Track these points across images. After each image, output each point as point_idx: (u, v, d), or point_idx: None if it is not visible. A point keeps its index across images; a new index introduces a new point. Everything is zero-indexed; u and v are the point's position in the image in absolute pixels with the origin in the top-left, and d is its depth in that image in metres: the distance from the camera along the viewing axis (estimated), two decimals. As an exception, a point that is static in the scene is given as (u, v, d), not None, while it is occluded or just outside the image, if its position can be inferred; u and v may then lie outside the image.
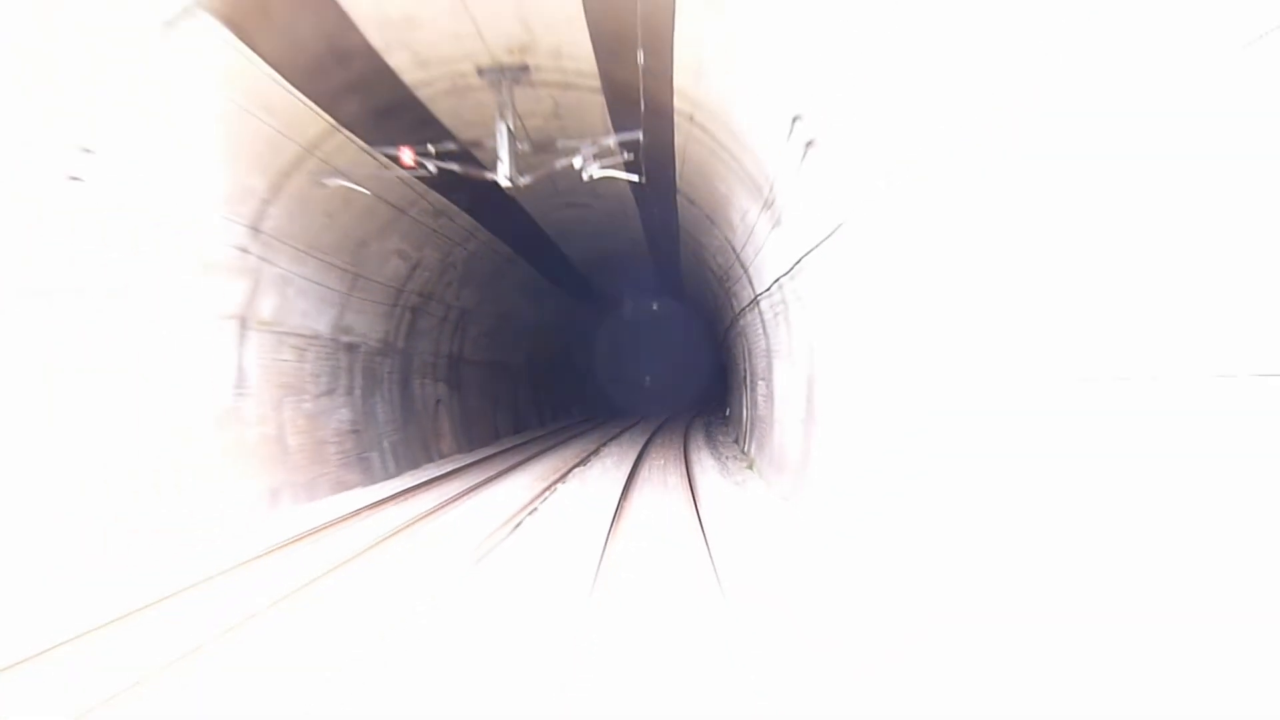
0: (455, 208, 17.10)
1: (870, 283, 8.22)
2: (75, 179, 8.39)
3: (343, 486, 15.43)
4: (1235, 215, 3.71)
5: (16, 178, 8.13)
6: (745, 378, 21.24)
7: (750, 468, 17.23)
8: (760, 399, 17.78)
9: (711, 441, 23.39)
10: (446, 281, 20.47)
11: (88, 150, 8.42)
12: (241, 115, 10.29)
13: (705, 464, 18.26)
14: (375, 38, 10.37)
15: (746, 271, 15.81)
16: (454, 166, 11.71)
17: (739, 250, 15.37)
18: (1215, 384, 3.80)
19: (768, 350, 16.14)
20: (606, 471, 17.32)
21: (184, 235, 10.65)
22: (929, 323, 7.11)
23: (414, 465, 19.32)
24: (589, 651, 6.20)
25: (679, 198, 16.38)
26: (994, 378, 6.09)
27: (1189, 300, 3.96)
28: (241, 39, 9.22)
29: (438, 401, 22.52)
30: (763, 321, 15.96)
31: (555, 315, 33.39)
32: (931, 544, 6.81)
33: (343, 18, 9.70)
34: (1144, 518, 4.23)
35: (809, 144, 8.24)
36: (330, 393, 15.84)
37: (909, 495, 7.34)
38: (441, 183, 13.98)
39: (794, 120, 8.34)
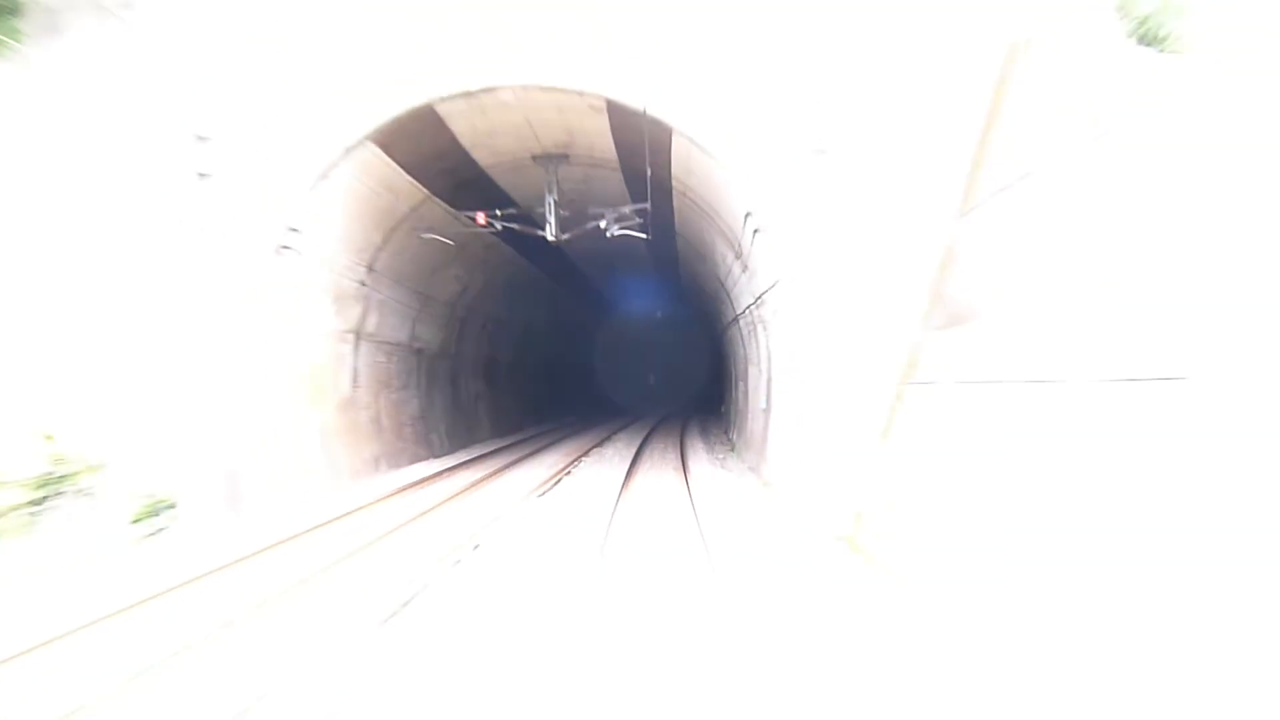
0: (502, 242, 21.73)
1: (795, 318, 12.82)
2: (285, 247, 13.03)
3: (416, 458, 20.10)
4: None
5: (250, 248, 12.79)
6: (731, 378, 25.88)
7: (732, 450, 21.84)
8: (739, 395, 22.42)
9: (705, 433, 27.98)
10: (487, 298, 25.12)
11: (293, 229, 13.06)
12: (373, 193, 14.93)
13: (697, 447, 22.88)
14: (466, 142, 15.02)
15: (729, 296, 20.43)
16: (515, 225, 16.34)
17: (723, 280, 20.00)
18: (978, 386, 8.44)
19: (744, 357, 20.77)
20: (618, 451, 21.95)
21: (327, 275, 15.29)
22: (821, 346, 11.76)
23: (461, 446, 23.98)
24: (614, 539, 10.81)
25: (678, 239, 21.02)
26: (856, 384, 10.77)
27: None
28: (382, 149, 13.87)
29: (476, 396, 27.19)
30: (741, 336, 20.59)
31: (573, 323, 38.04)
32: (812, 486, 11.46)
33: (449, 133, 14.35)
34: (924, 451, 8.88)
35: (756, 230, 12.87)
36: (405, 387, 20.51)
37: (806, 456, 11.99)
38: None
39: (746, 215, 12.97)
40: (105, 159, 12.50)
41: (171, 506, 10.80)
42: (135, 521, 10.53)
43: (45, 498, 8.94)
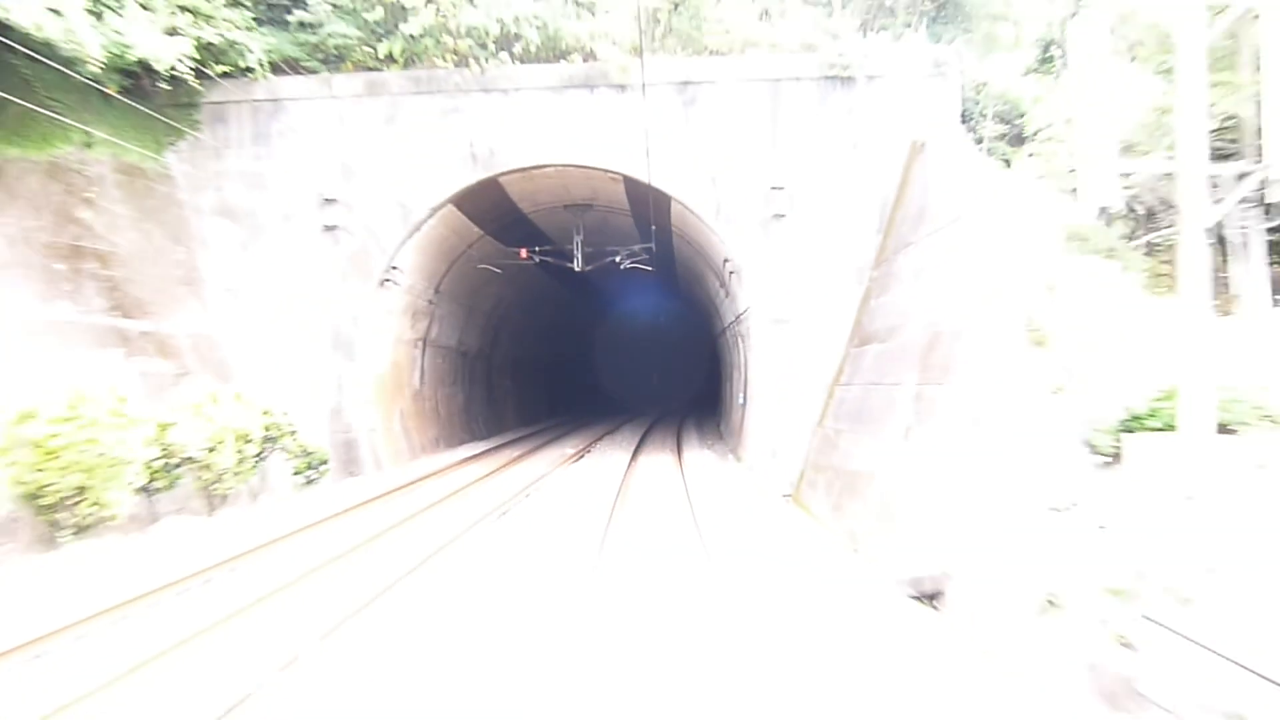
0: (531, 263, 26.49)
1: (760, 336, 17.55)
2: (387, 280, 17.81)
3: (463, 441, 24.91)
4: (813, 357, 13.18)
5: (364, 282, 17.58)
6: (720, 379, 30.65)
7: (720, 438, 26.61)
8: (726, 393, 27.21)
9: (699, 425, 32.75)
10: (517, 308, 29.91)
11: (395, 268, 17.85)
12: (444, 236, 19.71)
13: (691, 435, 27.67)
14: (514, 197, 19.80)
15: (718, 312, 25.21)
16: (549, 259, 21.11)
17: (712, 299, 24.78)
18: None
19: (729, 363, 25.55)
20: (626, 438, 26.75)
21: (408, 298, 20.06)
22: (780, 357, 16.56)
23: (496, 432, 28.79)
24: (625, 492, 15.57)
25: (677, 266, 25.82)
26: (803, 386, 15.60)
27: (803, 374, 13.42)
28: (456, 206, 18.65)
29: (506, 391, 31.98)
30: (727, 345, 25.38)
31: (588, 331, 42.83)
32: (771, 461, 16.27)
33: (503, 192, 19.13)
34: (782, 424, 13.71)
35: (732, 271, 17.65)
36: (454, 383, 25.31)
37: (768, 440, 16.79)
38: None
39: (725, 260, 17.74)
40: (265, 215, 17.35)
41: (325, 462, 15.60)
42: (296, 473, 15.31)
43: (264, 451, 13.65)
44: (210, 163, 17.57)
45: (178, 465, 11.68)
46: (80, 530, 10.13)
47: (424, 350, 22.04)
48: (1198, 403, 7.62)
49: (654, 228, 19.35)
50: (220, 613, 7.71)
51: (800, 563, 9.89)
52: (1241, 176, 8.24)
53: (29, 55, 12.97)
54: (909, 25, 18.05)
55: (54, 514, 9.80)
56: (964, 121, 17.28)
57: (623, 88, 17.10)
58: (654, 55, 17.39)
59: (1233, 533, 6.77)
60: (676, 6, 17.28)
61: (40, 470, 9.49)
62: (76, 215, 14.87)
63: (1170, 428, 8.12)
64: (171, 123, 16.82)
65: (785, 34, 17.32)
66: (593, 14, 17.57)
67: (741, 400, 21.69)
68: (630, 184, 18.40)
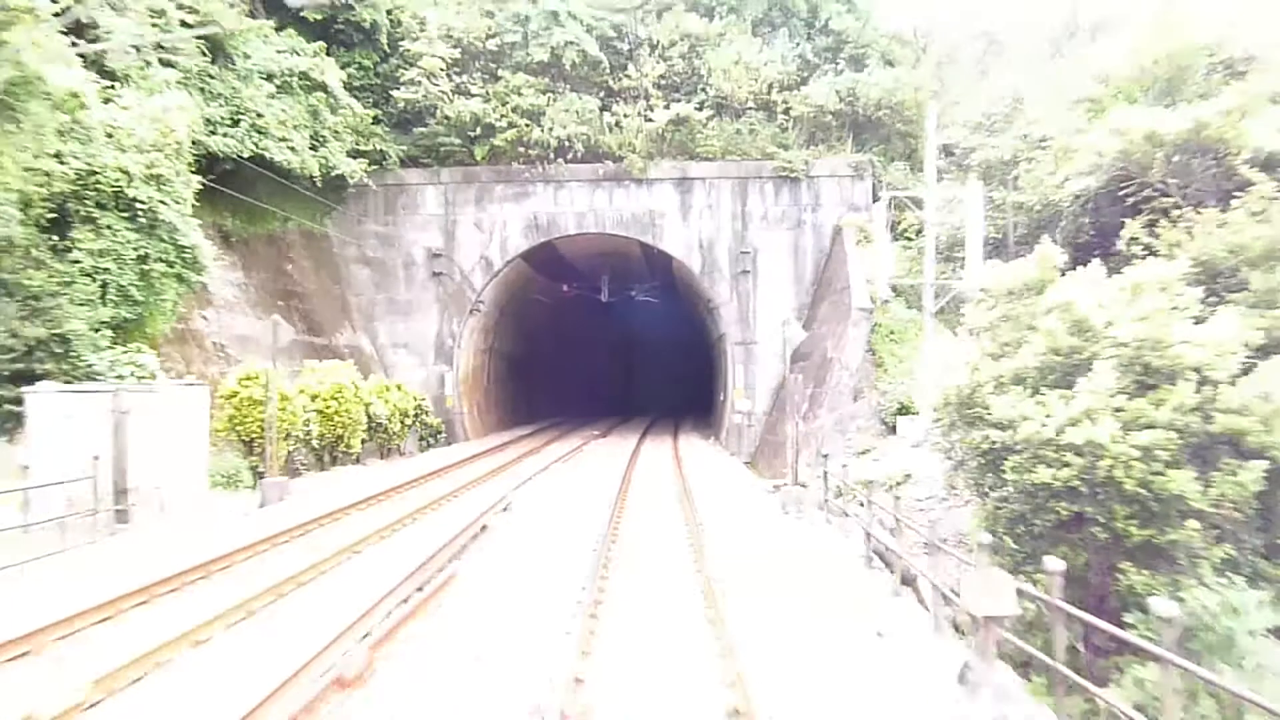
0: (570, 295, 34.49)
1: (730, 355, 25.43)
2: (473, 310, 25.83)
3: (512, 426, 32.91)
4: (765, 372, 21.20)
5: (459, 311, 25.68)
6: (710, 382, 38.60)
7: (709, 427, 34.56)
8: (714, 393, 35.21)
9: (694, 419, 40.62)
10: (551, 326, 37.88)
11: (481, 300, 25.87)
12: (513, 279, 27.66)
13: (686, 426, 35.63)
14: (561, 251, 27.77)
15: (705, 335, 33.17)
16: (582, 291, 29.07)
17: (700, 325, 32.77)
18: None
19: (716, 370, 33.53)
20: (636, 426, 34.74)
21: (483, 319, 27.99)
22: (742, 369, 24.52)
23: (532, 421, 36.78)
24: (638, 455, 23.52)
25: (676, 300, 33.89)
26: (760, 391, 23.63)
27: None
28: (523, 259, 26.62)
29: (541, 389, 39.95)
30: (713, 356, 33.35)
31: (607, 343, 50.86)
32: (736, 442, 24.26)
33: (556, 250, 27.11)
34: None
35: (712, 309, 25.62)
36: (506, 382, 33.32)
37: (736, 427, 24.77)
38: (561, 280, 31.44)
39: (708, 300, 25.73)
40: (391, 264, 25.40)
41: (441, 433, 23.59)
42: (420, 439, 23.29)
43: (409, 424, 21.58)
44: (354, 226, 25.59)
45: (375, 428, 19.67)
46: (336, 461, 18.11)
47: (490, 357, 30.04)
48: (924, 398, 15.52)
49: (659, 274, 27.32)
50: (461, 485, 15.60)
51: (729, 479, 17.82)
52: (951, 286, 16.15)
53: (269, 174, 20.95)
54: (840, 139, 25.88)
55: (328, 452, 17.78)
56: (884, 204, 25.14)
57: (640, 181, 25.09)
58: (660, 159, 25.35)
59: (925, 460, 14.69)
60: (677, 127, 25.19)
61: (322, 426, 17.45)
62: (284, 269, 22.92)
63: (915, 412, 16.03)
64: (328, 201, 24.84)
65: (752, 145, 25.26)
66: (621, 130, 25.53)
67: (721, 399, 29.64)
68: (643, 246, 26.39)
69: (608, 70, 26.62)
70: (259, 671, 5.63)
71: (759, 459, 23.34)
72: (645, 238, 25.18)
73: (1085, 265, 11.98)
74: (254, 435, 15.11)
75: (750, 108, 26.21)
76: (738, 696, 5.41)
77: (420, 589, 8.02)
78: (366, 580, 8.32)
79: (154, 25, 17.00)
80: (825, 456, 14.23)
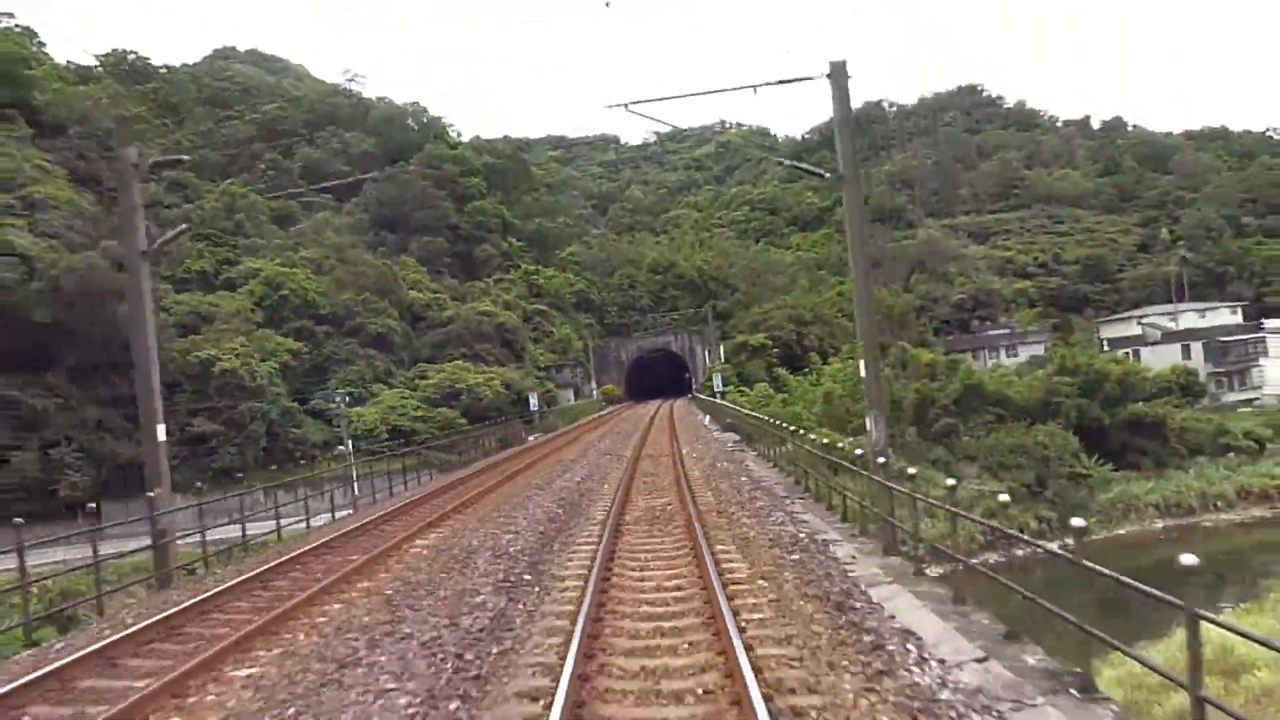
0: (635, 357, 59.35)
1: (701, 369, 49.92)
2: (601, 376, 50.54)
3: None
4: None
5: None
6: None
7: (698, 404, 59.39)
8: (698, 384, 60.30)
9: (687, 401, 65.41)
10: (619, 361, 62.78)
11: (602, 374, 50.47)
12: (623, 361, 52.35)
13: (677, 403, 60.51)
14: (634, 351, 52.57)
15: (695, 353, 57.94)
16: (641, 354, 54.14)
17: (691, 349, 57.64)
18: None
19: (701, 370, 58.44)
20: (653, 404, 59.60)
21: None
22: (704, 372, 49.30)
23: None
24: (657, 413, 48.19)
25: (681, 357, 59.20)
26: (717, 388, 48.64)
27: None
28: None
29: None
30: (699, 366, 58.23)
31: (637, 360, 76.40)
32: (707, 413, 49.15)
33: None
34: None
35: (693, 354, 50.49)
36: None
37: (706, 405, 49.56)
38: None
39: (691, 349, 50.64)
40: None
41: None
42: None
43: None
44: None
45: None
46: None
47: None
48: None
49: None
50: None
51: (697, 424, 42.50)
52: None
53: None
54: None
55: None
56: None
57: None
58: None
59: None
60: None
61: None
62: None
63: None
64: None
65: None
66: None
67: (695, 387, 54.48)
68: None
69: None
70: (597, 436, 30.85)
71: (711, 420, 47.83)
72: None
73: None
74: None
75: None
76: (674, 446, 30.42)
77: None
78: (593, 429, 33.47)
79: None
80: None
